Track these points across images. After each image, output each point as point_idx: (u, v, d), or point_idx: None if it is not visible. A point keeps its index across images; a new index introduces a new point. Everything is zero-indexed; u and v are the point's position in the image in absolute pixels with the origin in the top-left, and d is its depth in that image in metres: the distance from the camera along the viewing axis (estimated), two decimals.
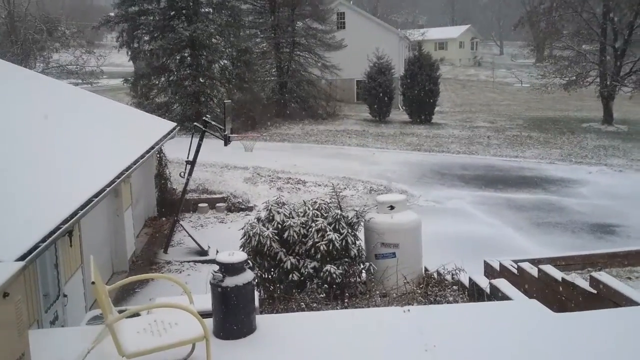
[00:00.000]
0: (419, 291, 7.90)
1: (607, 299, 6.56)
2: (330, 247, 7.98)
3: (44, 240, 5.50)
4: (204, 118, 12.22)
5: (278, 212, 8.36)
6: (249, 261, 4.85)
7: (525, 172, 21.82)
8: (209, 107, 29.78)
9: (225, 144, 12.36)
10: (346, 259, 8.15)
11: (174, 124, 14.85)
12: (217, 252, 7.39)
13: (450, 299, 7.57)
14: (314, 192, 17.41)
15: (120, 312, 4.46)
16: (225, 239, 11.96)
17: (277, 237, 8.12)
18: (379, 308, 6.87)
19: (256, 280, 6.37)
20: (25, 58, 28.06)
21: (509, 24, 67.64)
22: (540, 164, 23.22)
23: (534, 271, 8.30)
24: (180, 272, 11.36)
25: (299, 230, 8.18)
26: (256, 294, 5.18)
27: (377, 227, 8.85)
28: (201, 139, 11.98)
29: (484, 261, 10.01)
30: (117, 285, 5.01)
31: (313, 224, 8.20)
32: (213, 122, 12.25)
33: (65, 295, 7.50)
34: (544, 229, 14.86)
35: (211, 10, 31.35)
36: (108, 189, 7.79)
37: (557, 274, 7.73)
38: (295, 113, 36.09)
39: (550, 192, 18.73)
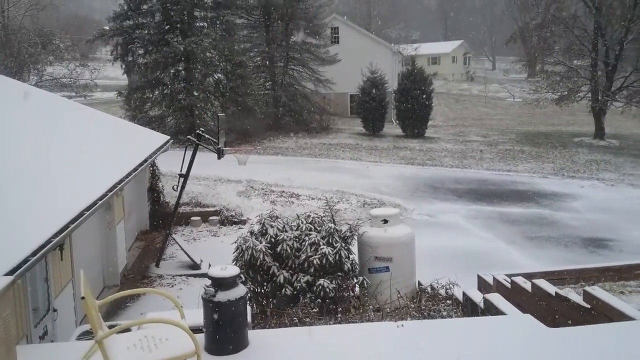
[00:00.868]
0: (413, 306, 7.86)
1: (601, 313, 6.54)
2: (324, 261, 7.94)
3: (34, 254, 5.43)
4: (197, 131, 12.19)
5: (271, 226, 8.33)
6: (241, 275, 4.81)
7: (518, 186, 21.89)
8: (203, 120, 29.79)
9: (219, 157, 12.32)
10: (339, 273, 8.11)
11: (167, 137, 14.82)
12: (210, 266, 7.32)
13: (444, 313, 7.54)
14: (307, 206, 17.37)
15: (110, 327, 4.40)
16: (218, 252, 11.88)
17: (270, 251, 8.07)
18: (373, 323, 6.82)
19: (249, 295, 6.32)
20: (19, 71, 28.03)
21: (501, 40, 68.44)
22: (532, 178, 23.32)
23: (527, 285, 8.28)
24: (173, 286, 11.27)
25: (292, 244, 8.15)
26: (249, 308, 5.13)
27: (371, 241, 8.83)
28: (194, 152, 11.95)
29: (478, 275, 9.98)
30: (108, 300, 4.95)
31: (306, 238, 8.16)
32: (207, 135, 12.23)
33: (55, 310, 7.41)
34: (537, 243, 14.87)
35: (206, 24, 31.49)
36: (100, 202, 7.74)
37: (551, 289, 7.72)
38: (289, 126, 36.17)
39: (543, 206, 18.79)
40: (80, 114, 13.47)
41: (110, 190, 8.40)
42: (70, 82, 30.48)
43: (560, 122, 42.34)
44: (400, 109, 34.57)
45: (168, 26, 30.45)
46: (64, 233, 6.27)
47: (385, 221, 8.99)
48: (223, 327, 4.64)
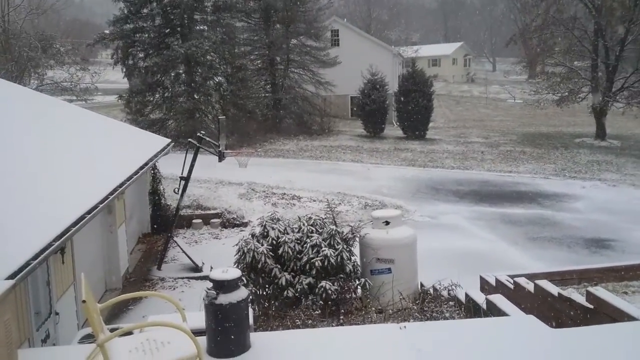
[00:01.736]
0: (415, 307, 7.84)
1: (604, 314, 6.52)
2: (326, 263, 7.93)
3: (35, 257, 5.42)
4: (198, 134, 12.18)
5: (273, 228, 8.31)
6: (243, 278, 4.79)
7: (520, 187, 21.86)
8: (204, 123, 29.82)
9: (220, 160, 12.32)
10: (341, 275, 8.09)
11: (168, 140, 14.82)
12: (211, 268, 7.35)
13: (447, 314, 7.51)
14: (308, 208, 17.36)
15: (112, 330, 4.38)
16: (219, 255, 11.88)
17: (271, 253, 8.06)
18: (375, 325, 6.80)
19: (250, 297, 6.30)
20: (19, 75, 28.04)
21: (501, 41, 68.42)
22: (534, 179, 23.29)
23: (530, 286, 8.26)
24: (174, 288, 11.25)
25: (294, 246, 8.13)
26: (250, 311, 5.11)
27: (373, 242, 8.80)
28: (195, 155, 11.94)
29: (480, 276, 9.95)
30: (109, 303, 4.94)
31: (308, 240, 8.15)
32: (207, 138, 12.23)
33: (57, 313, 7.40)
34: (539, 244, 14.84)
35: (206, 27, 31.54)
36: (101, 205, 7.73)
37: (554, 289, 7.69)
38: (290, 129, 36.19)
39: (544, 206, 18.76)
40: (81, 118, 13.47)
41: (111, 193, 8.39)
42: (71, 86, 30.46)
43: (561, 123, 42.30)
44: (400, 110, 34.57)
45: (168, 29, 30.53)
46: (65, 236, 6.25)
47: (387, 223, 8.97)
48: (225, 330, 4.62)
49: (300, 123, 36.52)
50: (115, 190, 8.66)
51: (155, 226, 14.81)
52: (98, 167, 9.67)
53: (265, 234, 8.32)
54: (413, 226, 11.21)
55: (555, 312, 7.38)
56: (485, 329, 5.45)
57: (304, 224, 8.48)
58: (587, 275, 10.10)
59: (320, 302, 7.74)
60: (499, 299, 7.49)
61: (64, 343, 7.30)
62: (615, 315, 6.33)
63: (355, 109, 40.72)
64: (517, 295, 8.50)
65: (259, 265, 7.90)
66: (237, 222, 15.74)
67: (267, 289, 8.16)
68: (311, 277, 7.92)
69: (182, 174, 12.10)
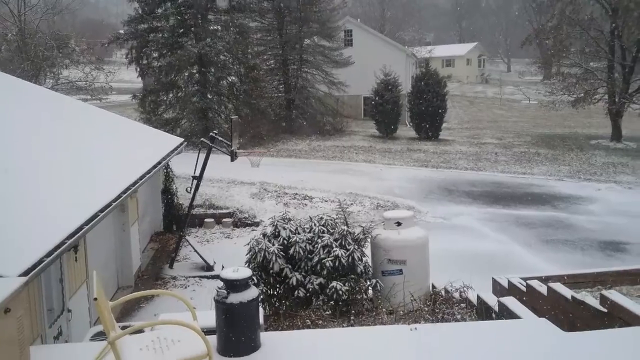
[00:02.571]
0: (427, 309, 7.80)
1: (618, 317, 6.44)
2: (337, 264, 7.91)
3: (48, 255, 5.47)
4: (211, 133, 12.23)
5: (284, 228, 8.32)
6: (253, 277, 4.80)
7: (534, 188, 21.67)
8: (217, 123, 29.92)
9: (232, 160, 12.36)
10: (352, 276, 8.08)
11: (181, 140, 14.89)
12: (223, 267, 7.35)
13: (458, 316, 7.47)
14: (320, 208, 17.35)
15: (123, 328, 4.41)
16: (231, 254, 11.91)
17: (282, 253, 8.06)
18: (386, 326, 6.77)
19: (261, 297, 6.31)
20: (35, 74, 28.33)
21: (516, 41, 67.80)
22: (548, 181, 23.07)
23: (543, 289, 8.18)
24: (186, 287, 11.31)
25: (305, 246, 8.13)
26: (261, 310, 5.11)
27: (384, 243, 8.78)
28: (208, 155, 11.99)
29: (492, 278, 9.88)
30: (120, 301, 4.97)
31: (319, 240, 8.14)
32: (220, 138, 12.27)
33: (69, 310, 7.46)
34: (553, 246, 14.70)
35: (219, 27, 31.63)
36: (114, 203, 7.78)
37: (567, 292, 7.61)
38: (303, 129, 36.19)
39: (559, 209, 18.58)
40: (95, 116, 13.58)
41: (124, 192, 8.45)
42: (86, 85, 30.75)
43: (576, 125, 41.87)
44: (414, 111, 34.44)
45: (182, 29, 30.66)
46: (79, 234, 6.30)
47: (399, 223, 8.94)
48: (235, 329, 4.63)
49: (313, 123, 36.51)
50: (128, 188, 8.72)
51: (167, 225, 14.89)
52: (112, 166, 9.74)
53: (276, 233, 8.33)
54: (425, 227, 11.16)
55: (569, 315, 7.30)
56: (496, 332, 5.40)
57: (315, 224, 8.48)
58: (601, 278, 9.97)
59: (331, 302, 7.73)
60: (511, 302, 7.43)
61: (76, 340, 7.36)
62: (629, 319, 6.25)
63: (368, 109, 40.63)
64: (529, 298, 8.42)
65: (270, 265, 7.91)
66: (249, 222, 15.78)
67: (277, 289, 8.17)
68: (322, 277, 7.92)
69: (194, 173, 12.16)
